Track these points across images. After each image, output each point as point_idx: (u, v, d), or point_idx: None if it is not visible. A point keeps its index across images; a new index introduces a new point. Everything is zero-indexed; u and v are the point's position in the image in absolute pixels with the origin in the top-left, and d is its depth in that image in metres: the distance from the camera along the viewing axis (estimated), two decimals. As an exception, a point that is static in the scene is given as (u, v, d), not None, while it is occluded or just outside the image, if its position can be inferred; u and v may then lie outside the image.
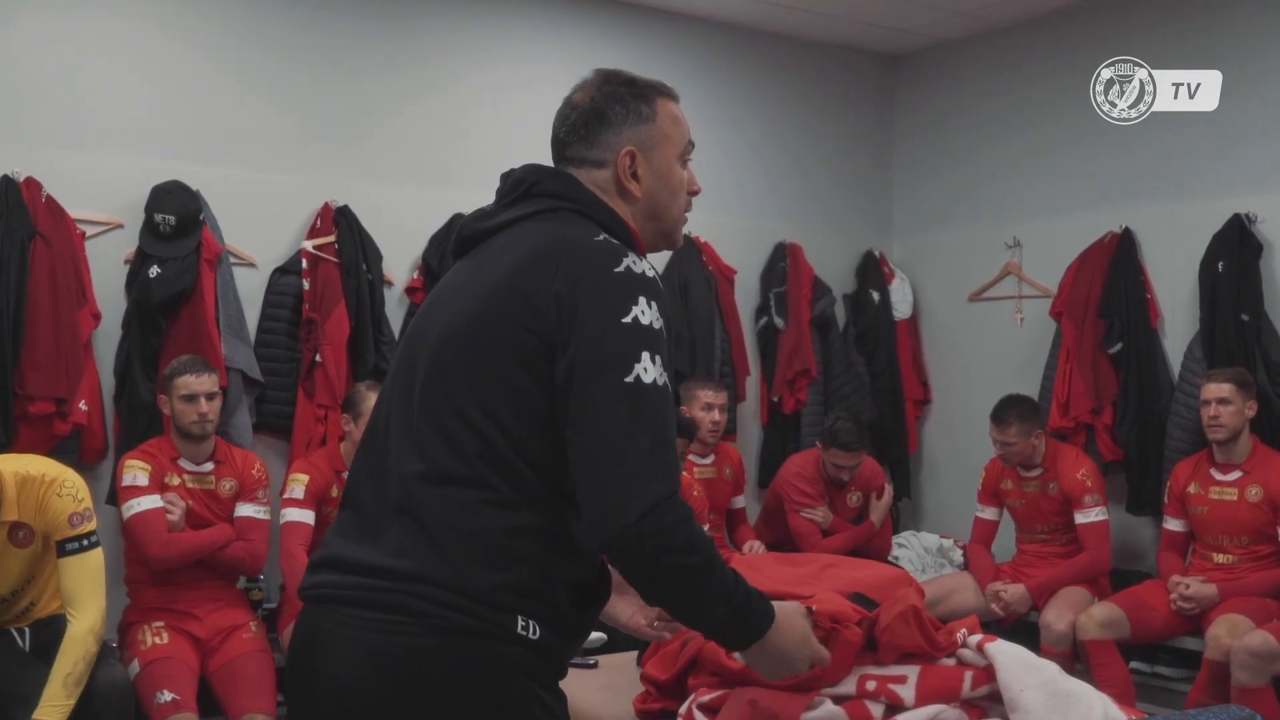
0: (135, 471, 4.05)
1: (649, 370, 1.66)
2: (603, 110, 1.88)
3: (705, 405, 5.14)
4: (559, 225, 1.80)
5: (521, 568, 1.69)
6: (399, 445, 1.78)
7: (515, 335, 1.70)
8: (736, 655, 2.25)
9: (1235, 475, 4.57)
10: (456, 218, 5.12)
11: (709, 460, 5.27)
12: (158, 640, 3.90)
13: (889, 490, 5.56)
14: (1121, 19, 5.54)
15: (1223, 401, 4.51)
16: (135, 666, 3.84)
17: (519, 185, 1.89)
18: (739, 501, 5.46)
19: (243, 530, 4.20)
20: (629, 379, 1.65)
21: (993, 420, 4.97)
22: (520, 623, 1.68)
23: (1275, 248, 4.94)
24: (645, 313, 1.69)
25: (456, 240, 1.95)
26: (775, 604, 1.82)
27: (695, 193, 1.98)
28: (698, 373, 5.50)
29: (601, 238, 1.77)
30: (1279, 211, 4.95)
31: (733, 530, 5.46)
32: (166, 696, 3.69)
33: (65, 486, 3.37)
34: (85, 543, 3.37)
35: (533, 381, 1.70)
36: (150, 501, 4.02)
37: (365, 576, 1.71)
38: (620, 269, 1.71)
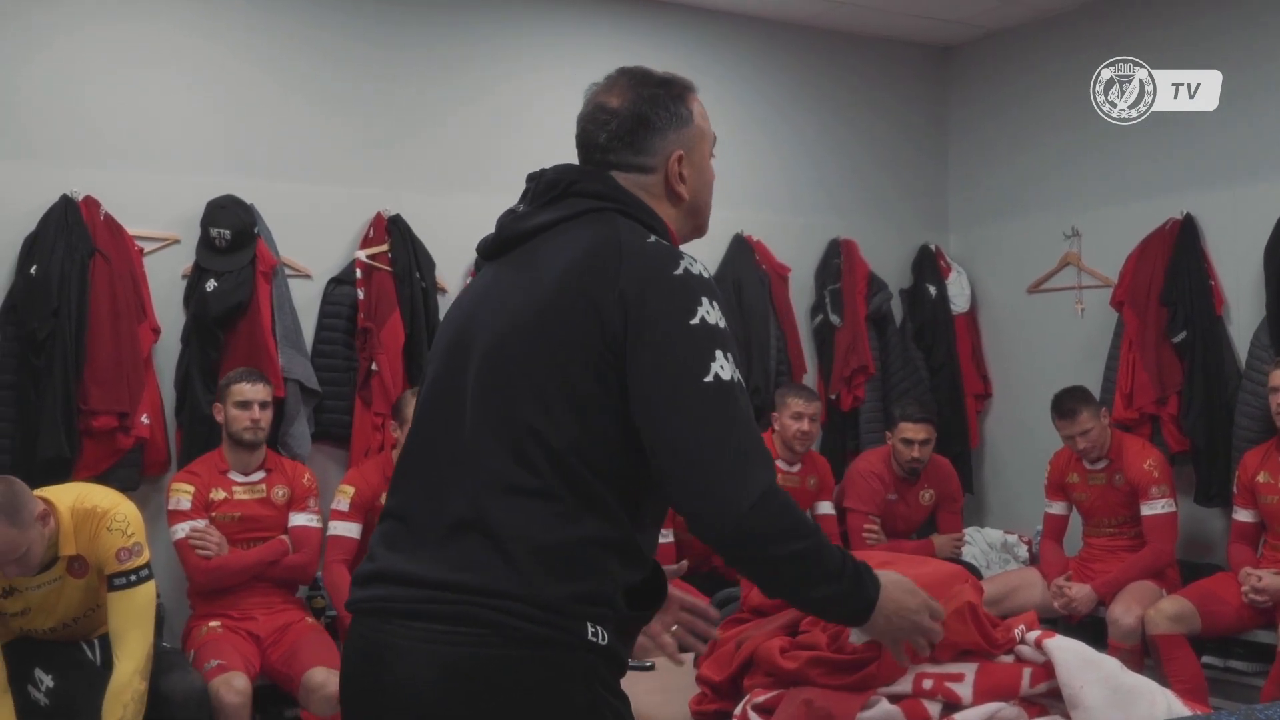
0: (179, 495, 4.14)
1: (725, 368, 1.67)
2: (646, 116, 1.87)
3: (795, 414, 5.05)
4: (607, 227, 1.78)
5: (590, 577, 1.69)
6: (455, 457, 1.75)
7: (579, 342, 1.69)
8: (854, 633, 2.20)
9: (1307, 463, 4.47)
10: (508, 223, 5.14)
11: (795, 469, 5.15)
12: (213, 633, 4.02)
13: (963, 537, 5.50)
14: (1175, 3, 5.44)
15: (1292, 388, 4.41)
16: (190, 656, 3.96)
17: (554, 186, 1.87)
18: (823, 507, 5.30)
19: (297, 541, 4.28)
20: (708, 379, 1.66)
21: (1060, 417, 4.87)
22: (590, 629, 1.68)
23: (1343, 230, 4.82)
24: (710, 313, 1.70)
25: (494, 241, 1.90)
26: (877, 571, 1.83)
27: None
28: (754, 373, 5.46)
29: (653, 239, 1.76)
30: (1346, 193, 4.84)
31: None
32: (214, 663, 3.79)
33: (115, 520, 3.38)
34: (133, 578, 3.38)
35: (600, 389, 1.69)
36: (192, 527, 4.11)
37: (433, 590, 1.69)
38: (679, 271, 1.71)
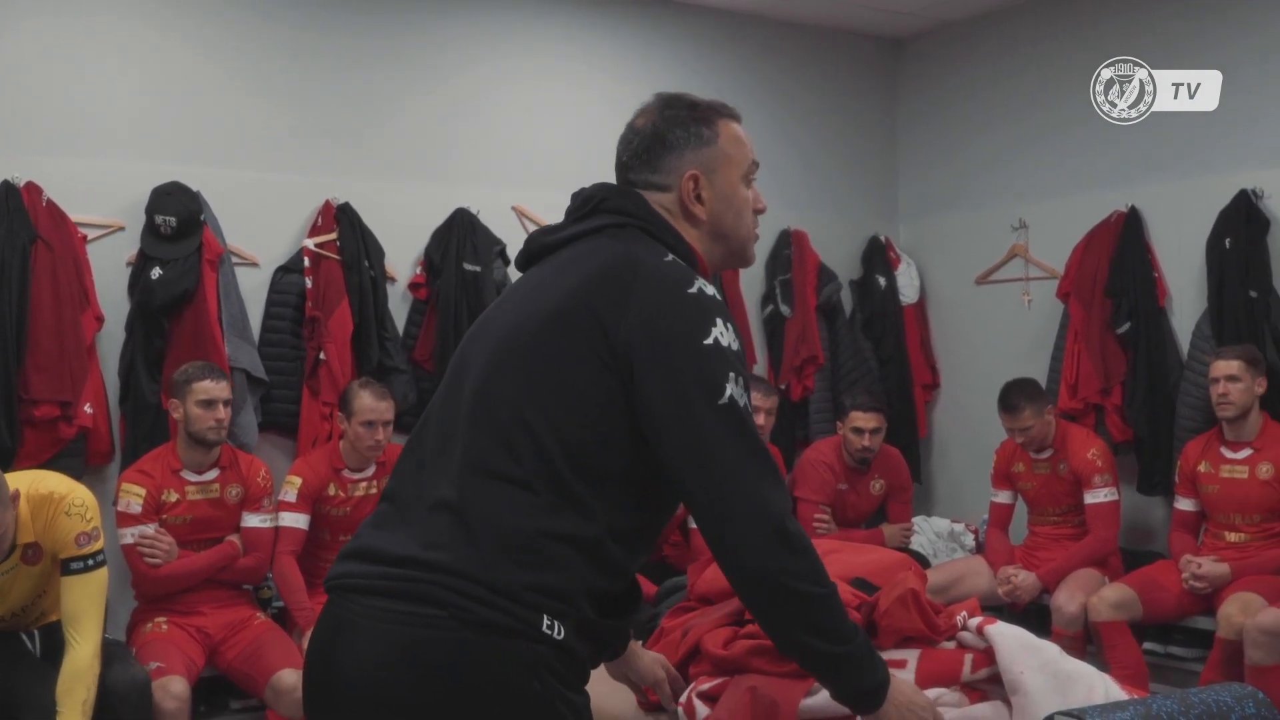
0: (129, 498, 4.05)
1: (737, 392, 1.72)
2: (664, 134, 1.91)
3: (752, 408, 5.08)
4: (627, 244, 1.83)
5: (552, 571, 1.70)
6: (446, 443, 1.79)
7: (584, 350, 1.72)
8: None
9: (1246, 453, 4.54)
10: (458, 213, 5.12)
11: None
12: (157, 631, 3.97)
13: (912, 526, 5.54)
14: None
15: (1232, 379, 4.48)
16: (133, 652, 3.91)
17: (587, 202, 1.93)
18: None
19: (250, 542, 4.23)
20: (723, 402, 1.71)
21: (1004, 410, 4.94)
22: (546, 621, 1.68)
23: (1283, 223, 4.90)
24: (723, 334, 1.73)
25: (523, 253, 1.97)
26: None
27: (760, 211, 2.00)
28: None
29: (670, 259, 1.81)
30: (1286, 186, 4.90)
31: None
32: (154, 665, 3.74)
33: (74, 505, 3.32)
34: (90, 562, 3.33)
35: (602, 397, 1.72)
36: (141, 533, 4.04)
37: (392, 566, 1.71)
38: (693, 290, 1.75)
